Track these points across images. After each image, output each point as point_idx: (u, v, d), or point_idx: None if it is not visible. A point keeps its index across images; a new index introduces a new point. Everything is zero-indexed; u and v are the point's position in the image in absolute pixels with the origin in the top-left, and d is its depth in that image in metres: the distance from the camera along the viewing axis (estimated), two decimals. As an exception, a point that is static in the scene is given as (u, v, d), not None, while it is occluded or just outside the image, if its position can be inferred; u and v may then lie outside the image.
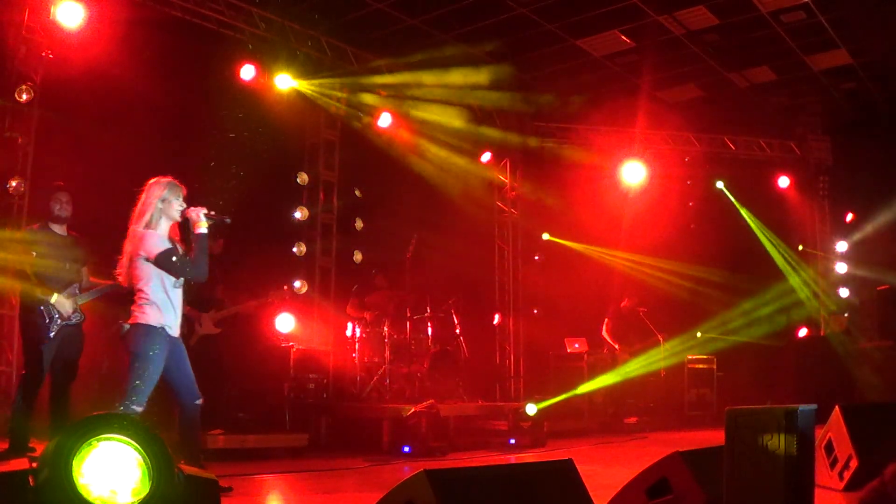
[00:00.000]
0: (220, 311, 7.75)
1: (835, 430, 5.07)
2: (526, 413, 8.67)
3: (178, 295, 4.79)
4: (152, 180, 4.83)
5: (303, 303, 9.65)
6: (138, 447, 3.15)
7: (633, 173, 12.39)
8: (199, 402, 4.83)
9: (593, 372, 11.00)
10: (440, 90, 11.28)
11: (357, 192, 10.51)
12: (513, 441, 8.54)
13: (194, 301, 7.63)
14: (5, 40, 7.32)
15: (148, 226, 4.71)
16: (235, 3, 8.97)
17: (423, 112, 11.08)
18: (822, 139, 12.72)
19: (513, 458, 7.71)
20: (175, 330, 4.78)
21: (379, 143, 10.53)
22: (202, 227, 4.74)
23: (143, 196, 4.79)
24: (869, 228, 12.09)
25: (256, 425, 7.87)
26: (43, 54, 7.45)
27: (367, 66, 10.38)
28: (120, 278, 4.84)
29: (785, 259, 12.73)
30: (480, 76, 11.26)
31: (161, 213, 4.75)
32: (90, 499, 2.99)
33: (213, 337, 7.67)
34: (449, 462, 7.26)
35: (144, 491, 3.12)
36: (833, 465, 5.00)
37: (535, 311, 12.62)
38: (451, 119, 11.51)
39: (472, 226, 11.50)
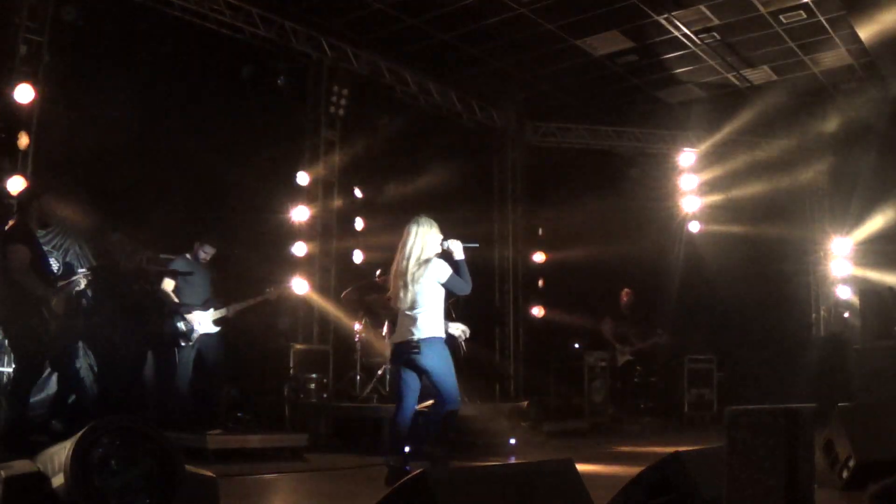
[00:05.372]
0: (217, 310, 7.75)
1: (835, 430, 5.06)
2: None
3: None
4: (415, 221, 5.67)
5: (303, 302, 9.65)
6: (142, 448, 3.16)
7: (633, 173, 12.36)
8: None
9: (593, 372, 10.99)
10: (441, 89, 11.31)
11: (357, 192, 10.50)
12: (513, 441, 8.53)
13: (192, 301, 7.64)
14: (5, 40, 7.32)
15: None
16: (235, 3, 8.98)
17: (423, 111, 11.09)
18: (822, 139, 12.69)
19: (513, 458, 7.70)
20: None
21: (379, 143, 10.54)
22: (460, 255, 5.71)
23: (411, 236, 5.64)
24: (869, 228, 12.06)
25: (256, 425, 7.86)
26: (43, 54, 7.45)
27: (366, 66, 10.39)
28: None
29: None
30: (482, 75, 11.28)
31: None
32: (101, 501, 3.00)
33: (211, 336, 7.66)
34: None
35: (148, 491, 3.13)
36: (833, 465, 5.00)
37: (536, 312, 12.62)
38: (452, 118, 11.53)
39: (473, 226, 11.48)
